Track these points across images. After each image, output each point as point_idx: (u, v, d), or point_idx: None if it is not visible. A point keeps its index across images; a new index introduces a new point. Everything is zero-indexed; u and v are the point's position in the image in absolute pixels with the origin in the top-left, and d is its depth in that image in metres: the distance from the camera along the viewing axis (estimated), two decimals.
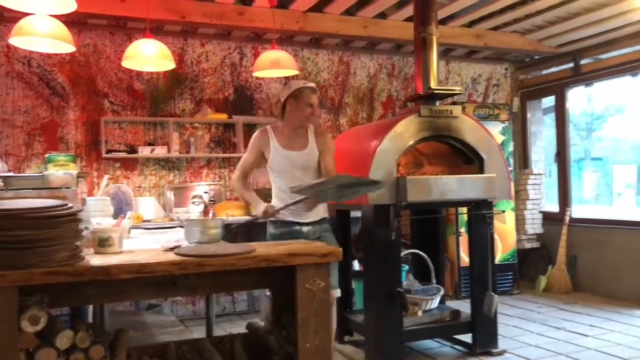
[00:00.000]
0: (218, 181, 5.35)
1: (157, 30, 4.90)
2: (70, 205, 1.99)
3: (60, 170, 3.56)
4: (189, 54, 5.27)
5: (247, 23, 4.72)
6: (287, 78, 5.53)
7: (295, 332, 2.25)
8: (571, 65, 6.17)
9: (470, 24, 5.52)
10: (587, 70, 6.03)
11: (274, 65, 4.13)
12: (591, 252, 5.80)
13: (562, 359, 3.79)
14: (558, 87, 6.31)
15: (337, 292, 3.22)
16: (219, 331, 4.58)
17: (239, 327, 4.47)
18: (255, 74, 4.53)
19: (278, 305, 2.58)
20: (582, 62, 6.06)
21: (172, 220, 4.69)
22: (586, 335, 4.30)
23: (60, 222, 1.90)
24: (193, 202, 5.15)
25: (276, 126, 3.31)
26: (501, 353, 3.89)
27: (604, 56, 5.96)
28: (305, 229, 3.20)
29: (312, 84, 3.27)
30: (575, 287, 5.88)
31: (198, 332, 4.39)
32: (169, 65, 3.81)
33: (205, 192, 5.16)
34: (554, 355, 3.87)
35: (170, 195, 5.15)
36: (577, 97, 16.14)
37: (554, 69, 6.50)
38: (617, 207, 8.00)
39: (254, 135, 3.34)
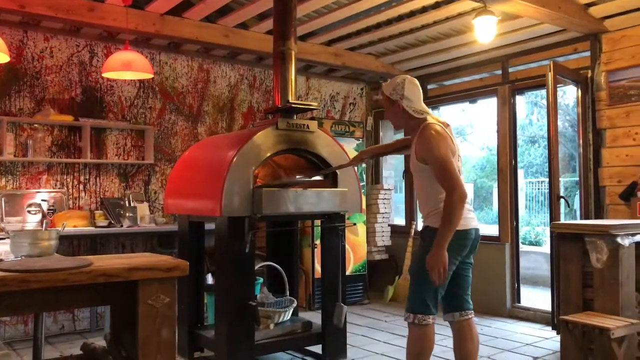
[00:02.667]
0: (60, 188, 4.90)
1: None
2: None
3: None
4: (30, 47, 4.80)
5: (98, 20, 4.42)
6: (147, 82, 5.28)
7: (136, 352, 2.10)
8: None
9: (329, 43, 5.71)
10: (433, 95, 6.52)
11: (126, 67, 3.92)
12: None
13: None
14: None
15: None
16: (54, 353, 4.18)
17: (79, 348, 4.11)
18: (105, 75, 4.24)
19: (119, 322, 2.40)
20: (429, 87, 6.55)
21: (1, 230, 4.20)
22: None
23: None
24: (29, 211, 4.68)
25: None
26: None
27: (448, 82, 6.51)
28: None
29: (384, 88, 3.01)
30: None
31: (29, 356, 3.96)
32: (2, 57, 3.42)
33: (43, 200, 4.71)
34: None
35: (0, 202, 4.61)
36: None
37: None
38: None
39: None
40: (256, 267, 3.89)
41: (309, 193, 3.81)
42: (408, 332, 2.96)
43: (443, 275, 2.73)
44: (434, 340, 2.92)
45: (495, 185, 6.26)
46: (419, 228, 6.53)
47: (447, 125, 3.01)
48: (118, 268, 2.04)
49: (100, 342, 2.65)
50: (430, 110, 3.03)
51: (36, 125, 4.80)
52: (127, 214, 4.90)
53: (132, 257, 2.37)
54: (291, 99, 3.96)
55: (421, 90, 3.01)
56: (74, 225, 4.62)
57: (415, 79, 3.02)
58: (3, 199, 4.62)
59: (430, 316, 2.88)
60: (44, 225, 3.28)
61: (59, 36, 4.92)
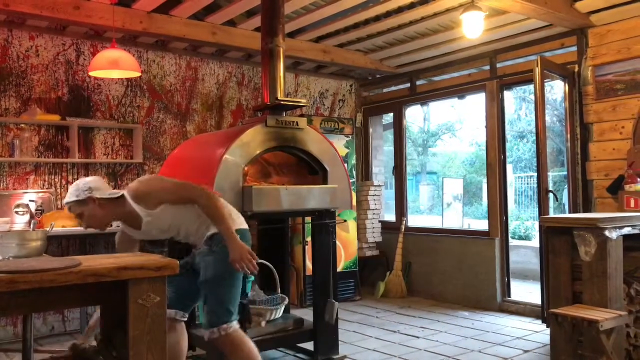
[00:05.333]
0: (48, 188, 4.86)
1: None
2: None
3: None
4: (15, 46, 4.74)
5: (84, 19, 4.38)
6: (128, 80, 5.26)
7: (127, 352, 2.09)
8: (408, 85, 6.65)
9: (318, 40, 5.70)
10: (422, 91, 6.54)
11: (113, 65, 3.89)
12: (424, 258, 6.27)
13: None
14: (396, 105, 6.76)
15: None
16: (44, 354, 4.15)
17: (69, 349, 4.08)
18: (92, 74, 4.21)
19: (109, 322, 2.39)
20: (418, 82, 6.56)
21: None
22: (417, 337, 4.61)
23: None
24: (17, 212, 4.64)
25: None
26: (341, 359, 4.00)
27: (436, 78, 6.52)
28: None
29: (66, 200, 2.74)
30: (410, 291, 6.31)
31: (19, 358, 3.93)
32: None
33: (31, 201, 4.66)
34: (389, 357, 4.08)
35: None
36: (416, 116, 17.58)
37: (393, 88, 6.97)
38: (446, 217, 8.76)
39: None
40: None
41: (300, 190, 3.81)
42: (224, 347, 2.77)
43: (253, 259, 2.65)
44: (245, 335, 2.80)
45: (485, 180, 6.29)
46: (410, 224, 6.60)
47: None
48: (107, 268, 2.02)
49: (90, 342, 2.64)
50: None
51: (22, 125, 4.75)
52: None
53: (121, 256, 2.35)
54: (280, 96, 3.95)
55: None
56: (63, 225, 4.58)
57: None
58: None
59: (235, 322, 2.75)
60: (31, 225, 3.26)
61: (45, 35, 4.87)
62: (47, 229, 2.79)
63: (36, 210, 4.67)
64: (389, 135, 8.68)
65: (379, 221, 6.59)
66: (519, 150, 15.47)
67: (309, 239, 5.44)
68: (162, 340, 2.14)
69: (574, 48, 5.03)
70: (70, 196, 2.69)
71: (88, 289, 2.07)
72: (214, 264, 2.74)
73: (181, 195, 2.72)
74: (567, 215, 4.53)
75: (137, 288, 2.08)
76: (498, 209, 5.63)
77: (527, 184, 13.14)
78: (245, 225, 2.92)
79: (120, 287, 2.08)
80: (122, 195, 2.73)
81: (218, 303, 2.75)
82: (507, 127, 5.75)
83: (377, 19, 5.11)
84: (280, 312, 4.02)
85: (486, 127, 5.76)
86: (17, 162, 4.71)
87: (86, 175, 5.05)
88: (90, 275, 1.99)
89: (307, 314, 4.42)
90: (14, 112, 4.72)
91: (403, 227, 6.44)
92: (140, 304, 2.08)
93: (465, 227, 8.00)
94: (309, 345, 4.03)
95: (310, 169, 4.09)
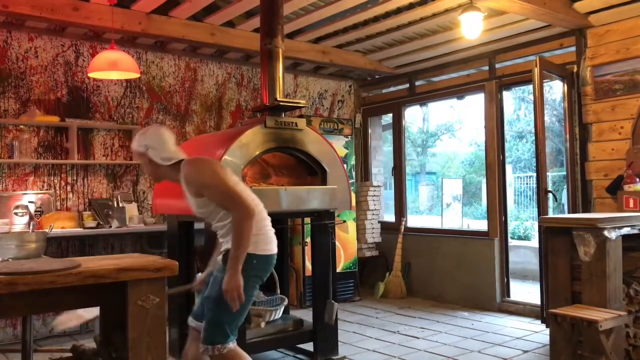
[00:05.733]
0: (47, 190, 4.86)
1: None
2: None
3: None
4: (14, 48, 4.74)
5: (83, 20, 4.37)
6: (127, 81, 5.26)
7: (126, 353, 2.10)
8: (407, 85, 6.65)
9: (317, 40, 5.70)
10: (421, 91, 6.54)
11: (112, 67, 3.88)
12: (423, 259, 6.27)
13: None
14: (396, 106, 6.76)
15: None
16: (42, 356, 4.14)
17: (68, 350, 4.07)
18: (91, 75, 4.21)
19: (109, 323, 2.39)
20: (417, 83, 6.56)
21: None
22: (417, 338, 4.61)
23: None
24: (16, 213, 4.64)
25: None
26: (341, 359, 4.01)
27: (435, 79, 6.52)
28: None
29: (132, 144, 2.83)
30: (410, 292, 6.31)
31: (19, 359, 3.92)
32: None
33: (30, 202, 4.66)
34: (388, 358, 4.08)
35: None
36: (415, 117, 17.58)
37: (392, 89, 6.97)
38: (446, 217, 8.77)
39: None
40: None
41: (299, 191, 3.81)
42: None
43: (238, 299, 2.56)
44: (244, 354, 2.74)
45: (484, 180, 6.29)
46: (409, 224, 6.60)
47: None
48: (107, 269, 2.03)
49: (90, 343, 2.64)
50: (181, 153, 2.78)
51: (22, 126, 4.74)
52: (115, 215, 4.87)
53: (121, 257, 2.36)
54: (279, 96, 3.95)
55: (169, 135, 2.77)
56: (62, 226, 4.58)
57: (163, 127, 2.83)
58: None
59: (230, 343, 2.68)
60: (31, 227, 3.26)
61: (44, 36, 4.87)
62: (47, 230, 2.79)
63: (35, 211, 4.67)
64: (388, 135, 8.69)
65: (379, 222, 6.59)
66: (518, 150, 15.47)
67: (308, 239, 5.43)
68: (161, 342, 2.14)
69: (573, 48, 5.04)
70: (134, 142, 2.81)
71: (87, 290, 2.08)
72: (220, 284, 2.66)
73: (223, 203, 2.67)
74: (567, 215, 4.54)
75: (137, 289, 2.08)
76: (497, 209, 5.63)
77: (527, 184, 13.14)
78: (268, 252, 2.78)
79: (119, 288, 2.09)
80: (176, 166, 2.72)
81: (216, 322, 2.68)
82: (507, 127, 5.76)
83: (376, 19, 5.12)
84: (279, 313, 4.02)
85: (485, 127, 5.77)
86: (17, 164, 4.71)
87: (85, 177, 5.05)
88: (90, 276, 2.00)
89: (306, 315, 4.42)
90: (13, 114, 4.72)
91: (402, 227, 6.44)
92: (139, 305, 2.09)
93: (465, 228, 8.01)
94: (309, 346, 4.03)
95: (310, 170, 4.09)
